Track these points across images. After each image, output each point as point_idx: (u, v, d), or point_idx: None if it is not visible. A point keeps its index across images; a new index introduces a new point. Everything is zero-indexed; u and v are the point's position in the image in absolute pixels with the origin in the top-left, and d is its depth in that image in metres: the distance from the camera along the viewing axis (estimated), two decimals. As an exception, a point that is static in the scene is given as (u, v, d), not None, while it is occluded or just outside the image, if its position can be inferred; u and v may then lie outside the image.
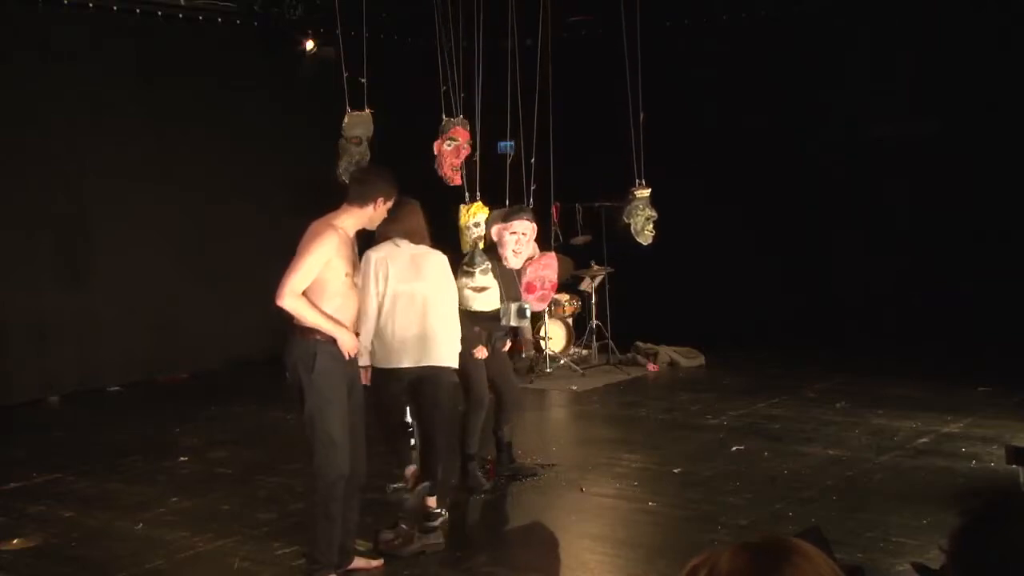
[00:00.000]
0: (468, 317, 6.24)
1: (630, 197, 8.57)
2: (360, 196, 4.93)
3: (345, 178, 7.10)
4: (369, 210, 4.95)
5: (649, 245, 8.64)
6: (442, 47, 7.46)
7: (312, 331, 4.78)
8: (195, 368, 10.47)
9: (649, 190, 8.57)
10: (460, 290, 6.29)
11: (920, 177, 10.46)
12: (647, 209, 8.53)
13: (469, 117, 7.51)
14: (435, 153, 7.32)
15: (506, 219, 6.43)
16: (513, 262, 6.44)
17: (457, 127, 7.34)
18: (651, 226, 8.52)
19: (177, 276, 10.25)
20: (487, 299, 6.41)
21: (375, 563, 5.16)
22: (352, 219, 4.92)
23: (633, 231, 8.59)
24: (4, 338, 9.08)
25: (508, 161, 7.76)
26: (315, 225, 4.88)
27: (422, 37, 7.54)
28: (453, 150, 7.31)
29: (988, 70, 10.11)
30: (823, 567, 1.47)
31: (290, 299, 4.76)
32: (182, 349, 10.39)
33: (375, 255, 5.60)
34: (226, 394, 9.54)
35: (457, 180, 7.30)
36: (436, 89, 7.50)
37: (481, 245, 7.06)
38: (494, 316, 6.44)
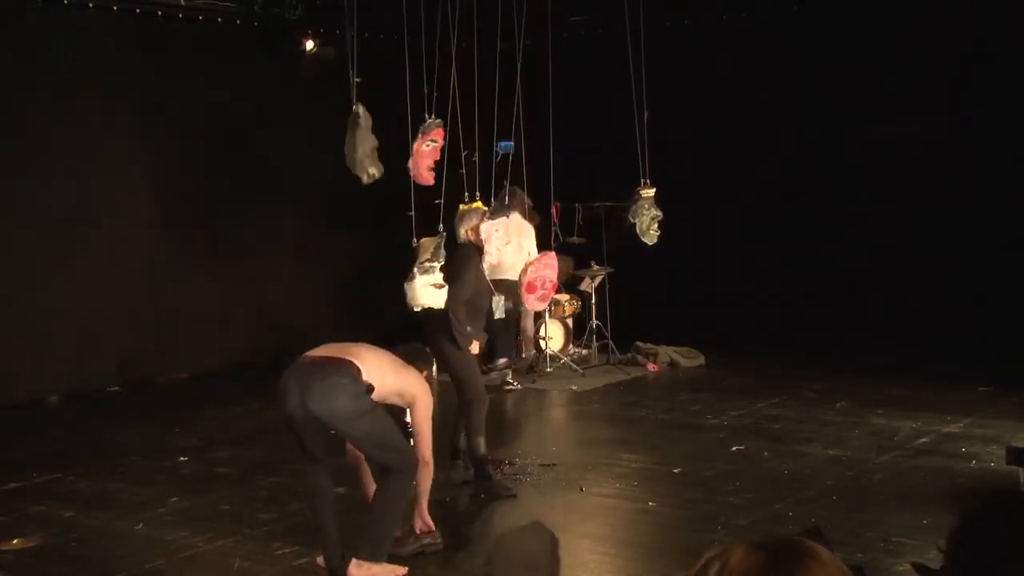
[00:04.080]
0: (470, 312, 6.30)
1: (636, 197, 8.60)
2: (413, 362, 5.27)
3: (367, 166, 7.04)
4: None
5: (652, 245, 8.65)
6: (426, 47, 7.45)
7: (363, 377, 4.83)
8: (195, 368, 10.46)
9: (654, 190, 8.59)
10: (420, 288, 6.36)
11: (920, 177, 10.45)
12: (652, 209, 8.55)
13: (469, 118, 7.50)
14: (412, 152, 7.28)
15: (493, 216, 6.47)
16: (494, 258, 6.50)
17: (438, 128, 7.34)
18: (656, 226, 8.54)
19: (177, 276, 10.24)
20: (441, 296, 6.44)
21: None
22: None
23: (639, 231, 8.62)
24: (4, 338, 9.07)
25: (509, 159, 7.78)
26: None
27: (423, 38, 7.51)
28: (431, 151, 7.31)
29: (988, 70, 10.11)
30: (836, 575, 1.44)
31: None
32: (182, 349, 10.39)
33: None
34: (226, 394, 9.54)
35: (431, 180, 7.28)
36: (435, 89, 7.49)
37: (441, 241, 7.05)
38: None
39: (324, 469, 5.03)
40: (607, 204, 10.16)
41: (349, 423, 4.76)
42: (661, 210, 8.54)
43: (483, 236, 6.44)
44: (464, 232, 6.52)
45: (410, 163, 7.20)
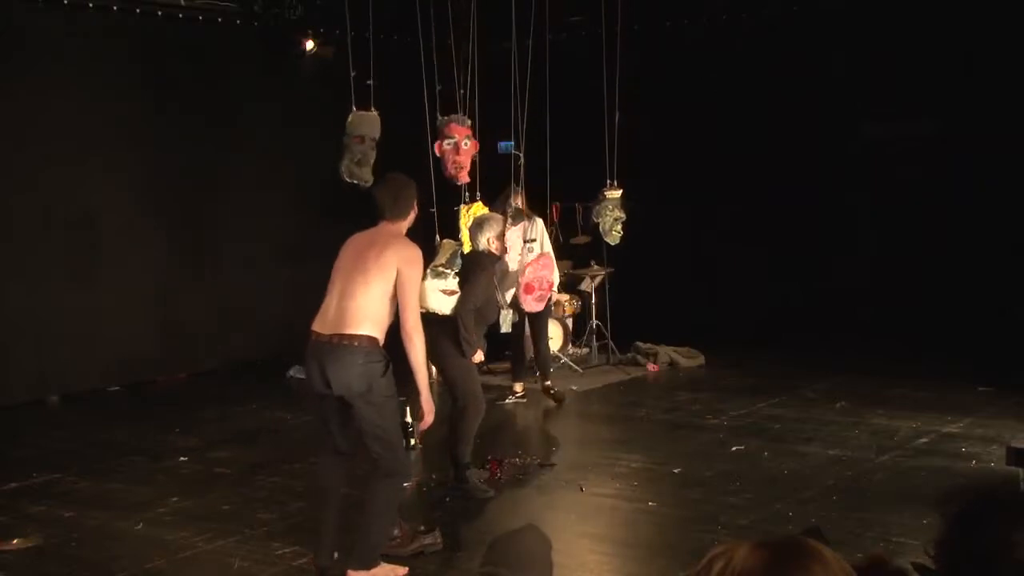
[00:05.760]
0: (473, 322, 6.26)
1: (600, 197, 8.62)
2: (401, 211, 5.11)
3: (346, 176, 7.11)
4: (411, 219, 5.18)
5: (618, 245, 8.67)
6: (425, 47, 7.47)
7: (378, 342, 4.79)
8: (194, 368, 10.46)
9: (620, 191, 8.60)
10: (429, 292, 6.32)
11: (920, 177, 10.45)
12: (616, 210, 8.58)
13: (471, 118, 7.51)
14: (438, 155, 7.33)
15: (515, 222, 6.45)
16: (515, 264, 6.47)
17: (452, 124, 7.33)
18: (619, 227, 8.57)
19: (177, 276, 10.25)
20: (449, 303, 6.41)
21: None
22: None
23: (602, 231, 8.65)
24: (4, 338, 9.07)
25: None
26: (414, 249, 5.01)
27: (423, 38, 7.52)
28: (452, 148, 7.32)
29: (988, 70, 10.10)
30: None
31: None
32: (181, 349, 10.39)
33: None
34: (225, 394, 9.54)
35: (464, 178, 7.28)
36: (434, 89, 7.48)
37: (459, 248, 7.06)
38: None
39: (342, 465, 5.04)
40: (587, 204, 10.19)
41: (360, 399, 4.78)
42: (626, 212, 8.57)
43: (507, 244, 6.40)
44: (485, 240, 6.47)
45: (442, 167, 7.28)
